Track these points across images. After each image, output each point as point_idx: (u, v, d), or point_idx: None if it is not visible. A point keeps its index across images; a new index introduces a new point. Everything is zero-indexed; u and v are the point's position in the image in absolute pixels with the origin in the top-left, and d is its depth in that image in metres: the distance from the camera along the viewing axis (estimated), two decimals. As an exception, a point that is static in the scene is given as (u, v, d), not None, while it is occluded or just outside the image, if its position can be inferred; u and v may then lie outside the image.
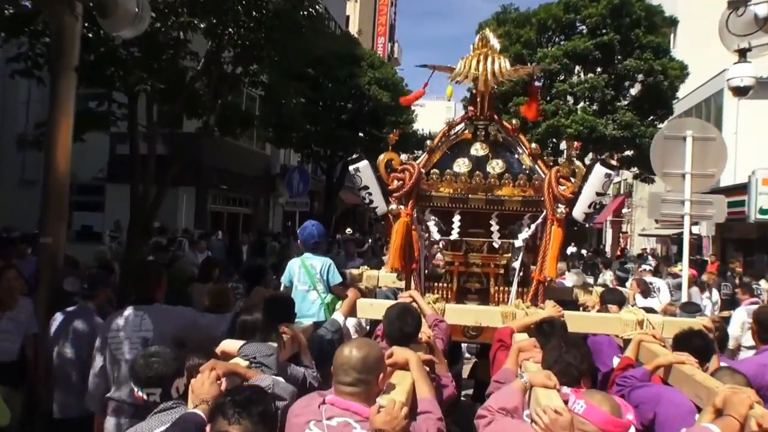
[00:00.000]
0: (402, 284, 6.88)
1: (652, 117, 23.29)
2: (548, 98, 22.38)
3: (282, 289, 5.88)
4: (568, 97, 23.23)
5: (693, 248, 10.47)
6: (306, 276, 5.66)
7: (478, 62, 5.44)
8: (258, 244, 17.28)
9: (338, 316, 4.82)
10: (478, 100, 5.70)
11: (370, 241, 18.66)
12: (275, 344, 3.57)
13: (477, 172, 5.22)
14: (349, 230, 19.51)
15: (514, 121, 5.73)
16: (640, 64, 21.96)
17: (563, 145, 27.74)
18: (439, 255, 10.57)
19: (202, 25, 10.16)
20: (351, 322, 5.42)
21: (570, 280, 8.70)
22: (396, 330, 3.72)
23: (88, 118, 10.79)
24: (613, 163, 4.86)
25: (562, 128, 21.77)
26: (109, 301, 6.24)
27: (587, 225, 5.67)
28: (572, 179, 5.12)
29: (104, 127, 11.66)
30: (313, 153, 24.93)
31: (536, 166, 5.45)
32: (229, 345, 3.63)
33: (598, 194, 4.99)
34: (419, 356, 3.36)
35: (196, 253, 13.33)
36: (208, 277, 8.39)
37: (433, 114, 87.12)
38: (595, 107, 22.92)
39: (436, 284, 5.73)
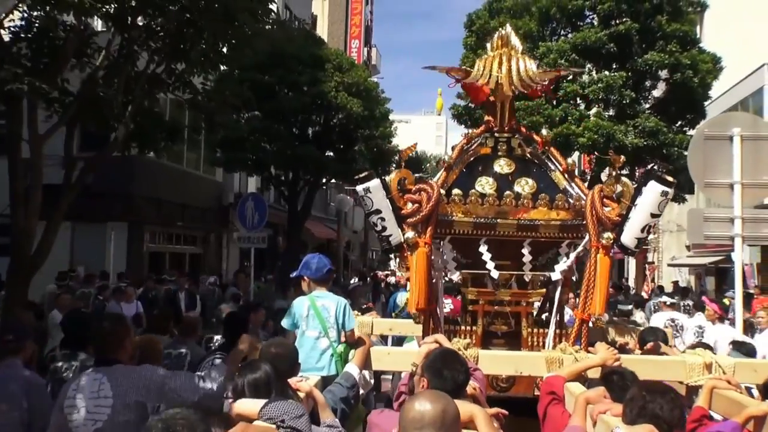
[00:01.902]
0: (410, 330, 7.08)
1: (680, 122, 23.51)
2: (555, 102, 22.46)
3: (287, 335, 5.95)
4: (579, 100, 23.17)
5: (733, 279, 10.69)
6: (316, 320, 5.65)
7: (500, 64, 5.69)
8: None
9: (352, 368, 4.93)
10: (498, 108, 5.93)
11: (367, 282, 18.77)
12: (300, 403, 3.68)
13: (507, 192, 5.44)
14: None
15: (544, 132, 5.98)
16: (663, 57, 21.89)
17: (573, 158, 28.16)
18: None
19: (105, 9, 9.99)
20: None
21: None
22: (449, 382, 3.60)
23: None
24: (670, 179, 5.10)
25: (573, 138, 21.83)
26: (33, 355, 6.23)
27: (636, 252, 5.77)
28: (619, 199, 5.35)
29: None
30: (272, 177, 24.90)
31: (573, 184, 5.70)
32: (247, 406, 3.67)
33: (653, 216, 5.20)
34: (486, 411, 3.41)
35: (120, 305, 13.00)
36: (162, 332, 8.45)
37: (422, 130, 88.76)
38: (611, 112, 23.03)
39: (456, 328, 5.90)
